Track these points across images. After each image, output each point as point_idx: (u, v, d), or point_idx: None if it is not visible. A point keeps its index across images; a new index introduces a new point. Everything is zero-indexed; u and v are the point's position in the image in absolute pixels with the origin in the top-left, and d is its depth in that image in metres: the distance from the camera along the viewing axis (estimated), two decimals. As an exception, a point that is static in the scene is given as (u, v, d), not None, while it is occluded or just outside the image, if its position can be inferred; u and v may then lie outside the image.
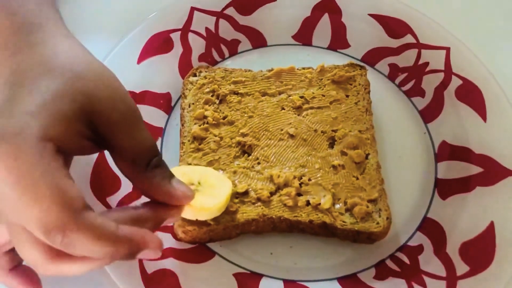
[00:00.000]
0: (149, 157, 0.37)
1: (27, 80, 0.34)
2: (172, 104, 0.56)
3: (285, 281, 0.46)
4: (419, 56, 0.58)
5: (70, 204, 0.31)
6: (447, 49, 0.58)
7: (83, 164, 0.49)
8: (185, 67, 0.57)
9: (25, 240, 0.33)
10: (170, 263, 0.46)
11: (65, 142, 0.33)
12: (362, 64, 0.58)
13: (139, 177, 0.37)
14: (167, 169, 0.38)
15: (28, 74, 0.34)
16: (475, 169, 0.51)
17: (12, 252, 0.39)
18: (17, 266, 0.40)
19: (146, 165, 0.36)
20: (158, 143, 0.54)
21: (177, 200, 0.37)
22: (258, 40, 0.61)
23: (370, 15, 0.61)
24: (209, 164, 0.49)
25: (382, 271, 0.47)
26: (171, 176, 0.38)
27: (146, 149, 0.37)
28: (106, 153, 0.49)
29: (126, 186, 0.49)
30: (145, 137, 0.37)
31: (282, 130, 0.51)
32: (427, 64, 0.58)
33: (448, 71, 0.57)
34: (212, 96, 0.54)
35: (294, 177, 0.48)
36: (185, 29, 0.59)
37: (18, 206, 0.31)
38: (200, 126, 0.52)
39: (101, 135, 0.36)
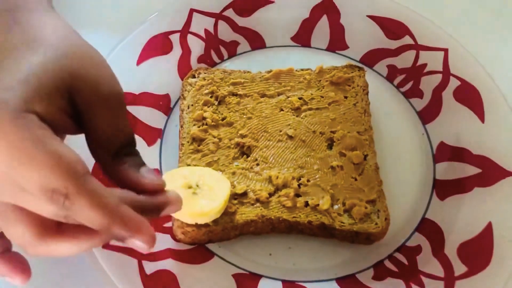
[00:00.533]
0: (124, 144, 0.36)
1: (10, 57, 0.34)
2: (171, 105, 0.56)
3: (284, 282, 0.46)
4: (417, 57, 0.59)
5: (72, 167, 0.31)
6: (445, 51, 0.58)
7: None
8: (184, 68, 0.58)
9: (14, 218, 0.33)
10: (169, 264, 0.46)
11: (48, 117, 0.33)
12: (360, 65, 0.58)
13: (109, 162, 0.36)
14: (139, 158, 0.37)
15: (12, 52, 0.34)
16: (473, 170, 0.51)
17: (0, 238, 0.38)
18: (5, 252, 0.39)
19: (118, 151, 0.36)
20: (157, 144, 0.54)
21: (144, 187, 0.36)
22: (257, 42, 0.61)
23: (369, 16, 0.61)
24: (208, 165, 0.49)
25: (380, 272, 0.47)
26: (142, 164, 0.37)
27: (122, 136, 0.36)
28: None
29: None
30: (124, 124, 0.36)
31: (280, 131, 0.52)
32: (425, 65, 0.58)
33: (446, 72, 0.57)
34: (211, 97, 0.54)
35: (293, 178, 0.49)
36: (184, 31, 0.59)
37: (17, 173, 0.31)
38: (199, 127, 0.52)
39: (81, 115, 0.35)
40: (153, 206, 0.36)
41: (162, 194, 0.37)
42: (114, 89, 0.37)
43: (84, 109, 0.35)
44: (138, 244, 0.34)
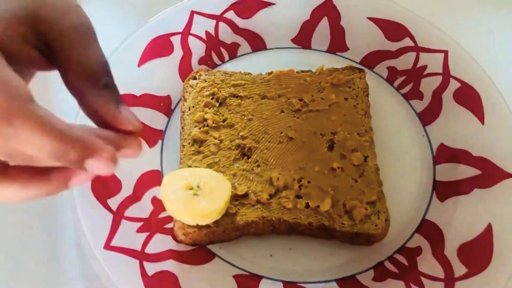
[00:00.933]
0: (101, 74, 0.34)
1: None
2: (172, 107, 0.56)
3: (285, 283, 0.47)
4: (417, 59, 0.59)
5: (15, 92, 0.29)
6: (445, 52, 0.58)
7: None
8: (185, 70, 0.58)
9: None
10: (170, 265, 0.46)
11: (5, 44, 0.31)
12: (361, 67, 0.58)
13: (87, 94, 0.34)
14: (117, 93, 0.35)
15: None
16: (473, 171, 0.51)
17: None
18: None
19: (97, 82, 0.34)
20: (158, 145, 0.54)
21: (120, 123, 0.34)
22: (257, 43, 0.61)
23: (369, 18, 0.61)
24: (209, 166, 0.50)
25: (380, 273, 0.47)
26: (120, 101, 0.35)
27: (98, 65, 0.34)
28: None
29: (127, 189, 0.49)
30: (98, 53, 0.35)
31: (281, 133, 0.52)
32: (425, 67, 0.58)
33: (446, 74, 0.57)
34: (212, 99, 0.54)
35: (294, 180, 0.49)
36: (185, 33, 0.59)
37: None
38: (200, 129, 0.52)
39: (52, 47, 0.34)
40: (112, 141, 0.33)
41: (132, 136, 0.35)
42: (82, 18, 0.35)
43: (54, 39, 0.34)
44: (99, 165, 0.31)
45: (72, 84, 0.34)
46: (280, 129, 0.52)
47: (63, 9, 0.34)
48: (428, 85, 0.58)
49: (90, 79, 0.34)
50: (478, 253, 0.47)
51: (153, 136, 0.54)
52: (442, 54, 0.58)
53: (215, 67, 0.60)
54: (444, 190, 0.52)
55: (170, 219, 0.48)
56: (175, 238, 0.48)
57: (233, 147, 0.51)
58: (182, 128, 0.53)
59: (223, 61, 0.60)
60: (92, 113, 0.34)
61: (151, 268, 0.45)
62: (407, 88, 0.59)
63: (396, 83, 0.59)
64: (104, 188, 0.49)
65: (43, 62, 0.35)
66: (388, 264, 0.48)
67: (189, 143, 0.51)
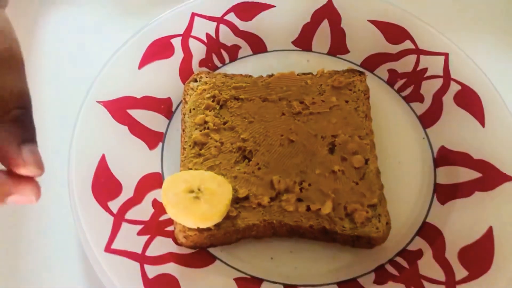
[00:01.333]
0: (11, 105, 0.32)
1: None
2: (173, 109, 0.56)
3: (286, 286, 0.46)
4: (418, 61, 0.59)
5: None
6: (446, 55, 0.58)
7: (85, 169, 0.49)
8: (185, 72, 0.58)
9: None
10: (171, 268, 0.46)
11: None
12: (361, 69, 0.59)
13: None
14: (27, 130, 0.33)
15: None
16: (474, 174, 0.51)
17: None
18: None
19: (5, 114, 0.32)
20: (159, 148, 0.54)
21: (16, 166, 0.32)
22: (258, 46, 0.61)
23: (370, 21, 0.61)
24: (210, 169, 0.50)
25: (381, 276, 0.47)
26: (27, 140, 0.32)
27: (10, 95, 0.32)
28: (108, 158, 0.50)
29: (128, 191, 0.49)
30: (12, 84, 0.32)
31: (282, 135, 0.52)
32: (426, 69, 0.58)
33: (446, 76, 0.57)
34: (212, 101, 0.54)
35: (295, 183, 0.49)
36: (186, 35, 0.59)
37: None
38: (201, 131, 0.52)
39: None
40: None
41: (27, 182, 0.32)
42: (6, 43, 0.33)
43: None
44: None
45: None
46: (281, 131, 0.52)
47: None
48: (429, 88, 0.58)
49: None
50: (479, 256, 0.47)
51: (153, 138, 0.54)
52: (443, 57, 0.58)
53: (216, 70, 0.60)
54: (444, 193, 0.52)
55: (171, 221, 0.48)
56: (176, 241, 0.48)
57: (234, 150, 0.51)
58: (183, 130, 0.53)
59: (223, 63, 0.60)
60: None
61: (152, 271, 0.45)
62: (408, 90, 0.59)
63: (396, 86, 0.59)
64: (104, 190, 0.49)
65: None
66: (389, 267, 0.48)
67: (189, 146, 0.51)
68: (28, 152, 0.32)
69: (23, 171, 0.32)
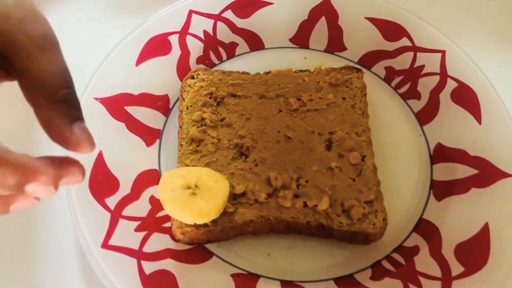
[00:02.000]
0: (58, 87, 0.33)
1: None
2: (170, 106, 0.56)
3: (283, 282, 0.47)
4: (414, 59, 0.59)
5: None
6: (443, 52, 0.58)
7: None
8: (183, 69, 0.58)
9: None
10: (168, 264, 0.46)
11: None
12: (358, 67, 0.59)
13: (41, 107, 0.32)
14: (75, 108, 0.33)
15: None
16: (470, 171, 0.52)
17: None
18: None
19: (52, 96, 0.33)
20: (156, 144, 0.54)
21: (69, 143, 0.32)
22: (255, 43, 0.61)
23: (367, 18, 0.61)
24: (207, 165, 0.50)
25: (378, 272, 0.47)
26: (77, 118, 0.33)
27: (56, 77, 0.33)
28: (105, 155, 0.50)
29: (125, 188, 0.49)
30: (57, 65, 0.33)
31: (279, 132, 0.52)
32: (422, 67, 0.58)
33: (443, 74, 0.57)
34: (210, 98, 0.54)
35: (292, 179, 0.49)
36: (183, 32, 0.59)
37: None
38: (198, 128, 0.52)
39: (8, 59, 0.33)
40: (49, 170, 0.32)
41: (72, 164, 0.33)
42: (41, 27, 0.34)
43: (9, 51, 0.32)
44: (38, 189, 0.31)
45: (27, 96, 0.33)
46: (278, 128, 0.52)
47: (22, 18, 0.33)
48: (426, 85, 0.58)
49: (45, 92, 0.33)
50: (475, 252, 0.47)
51: (151, 135, 0.54)
52: (440, 54, 0.58)
53: (213, 67, 0.60)
54: (441, 190, 0.52)
55: (168, 218, 0.48)
56: (173, 237, 0.48)
57: (231, 146, 0.51)
58: (180, 127, 0.53)
59: (221, 60, 0.60)
60: (45, 128, 0.33)
61: (149, 267, 0.45)
62: (405, 88, 0.59)
63: (393, 83, 0.59)
64: (102, 187, 0.49)
65: (1, 73, 0.34)
66: (385, 263, 0.48)
67: (187, 142, 0.51)
68: (80, 130, 0.33)
69: (77, 148, 0.33)
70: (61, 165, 0.33)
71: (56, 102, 0.33)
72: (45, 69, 0.33)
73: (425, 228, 0.50)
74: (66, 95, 0.33)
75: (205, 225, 0.46)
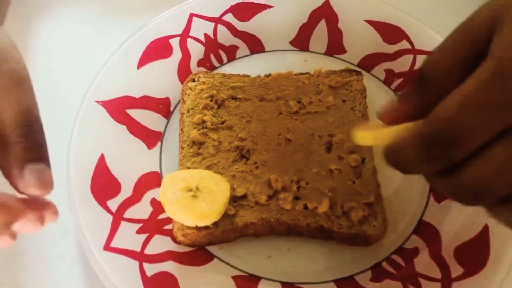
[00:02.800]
0: (13, 127, 0.31)
1: None
2: (171, 109, 0.57)
3: (283, 284, 0.47)
4: (414, 61, 0.59)
5: None
6: (442, 55, 0.58)
7: (84, 168, 0.49)
8: (184, 72, 0.58)
9: None
10: (169, 266, 0.46)
11: None
12: (358, 69, 0.59)
13: None
14: (33, 149, 0.32)
15: None
16: (470, 173, 0.52)
17: None
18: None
19: (8, 136, 0.31)
20: (158, 147, 0.54)
21: (18, 188, 0.31)
22: (256, 46, 0.62)
23: (367, 21, 0.61)
24: (208, 168, 0.50)
25: (378, 274, 0.48)
26: (32, 159, 0.31)
27: (11, 117, 0.31)
28: (107, 157, 0.50)
29: (126, 190, 0.50)
30: (16, 103, 0.32)
31: (279, 134, 0.52)
32: (422, 69, 0.59)
33: (443, 76, 0.57)
34: (210, 101, 0.54)
35: (292, 181, 0.49)
36: (184, 35, 0.60)
37: None
38: (199, 130, 0.52)
39: None
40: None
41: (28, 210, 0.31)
42: (9, 66, 0.32)
43: None
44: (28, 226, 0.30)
45: None
46: (278, 131, 0.53)
47: None
48: (425, 88, 0.58)
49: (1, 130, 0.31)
50: (474, 253, 0.47)
51: (152, 138, 0.54)
52: (439, 57, 0.58)
53: (214, 70, 0.60)
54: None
55: (169, 220, 0.49)
56: (174, 239, 0.48)
57: (231, 149, 0.51)
58: (181, 130, 0.53)
59: (221, 63, 0.61)
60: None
61: (151, 269, 0.46)
62: (404, 90, 0.59)
63: (393, 86, 0.60)
64: (103, 189, 0.49)
65: None
66: (385, 265, 0.48)
67: (188, 145, 0.52)
68: (29, 172, 0.31)
69: (27, 192, 0.31)
70: (23, 207, 0.31)
71: (9, 145, 0.31)
72: (1, 110, 0.32)
73: (425, 230, 0.50)
74: (21, 136, 0.31)
75: (206, 227, 0.46)
